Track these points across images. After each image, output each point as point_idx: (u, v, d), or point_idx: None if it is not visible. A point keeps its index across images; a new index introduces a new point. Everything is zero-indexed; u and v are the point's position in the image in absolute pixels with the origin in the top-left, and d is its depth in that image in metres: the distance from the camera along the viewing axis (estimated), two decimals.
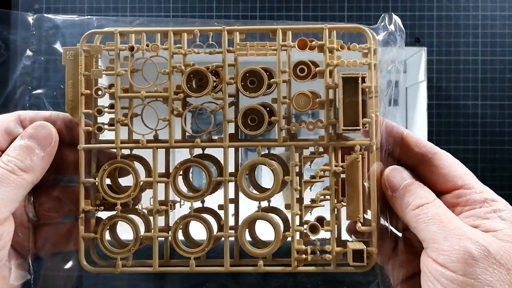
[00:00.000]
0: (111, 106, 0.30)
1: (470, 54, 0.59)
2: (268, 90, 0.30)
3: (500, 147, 0.58)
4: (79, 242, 0.30)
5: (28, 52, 0.31)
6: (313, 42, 0.29)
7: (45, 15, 0.31)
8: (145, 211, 0.31)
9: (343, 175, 0.30)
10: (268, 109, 0.30)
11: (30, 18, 0.31)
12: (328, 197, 0.30)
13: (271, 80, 0.30)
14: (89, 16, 0.31)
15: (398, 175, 0.28)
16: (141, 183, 0.30)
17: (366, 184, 0.29)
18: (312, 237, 0.30)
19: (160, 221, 0.31)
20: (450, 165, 0.29)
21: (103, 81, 0.31)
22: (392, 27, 0.30)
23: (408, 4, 0.59)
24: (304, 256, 0.30)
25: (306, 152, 0.31)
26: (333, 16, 0.59)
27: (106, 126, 0.30)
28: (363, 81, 0.28)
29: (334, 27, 0.30)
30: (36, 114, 0.30)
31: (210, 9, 0.60)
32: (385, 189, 0.29)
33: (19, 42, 0.32)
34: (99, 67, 0.30)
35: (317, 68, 0.29)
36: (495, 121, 0.59)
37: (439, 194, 0.28)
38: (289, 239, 0.30)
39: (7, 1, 0.60)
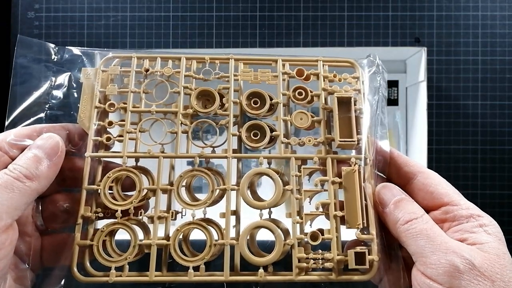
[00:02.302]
0: (122, 121, 0.33)
1: (470, 54, 0.59)
2: (268, 113, 0.33)
3: (500, 147, 0.58)
4: (74, 250, 0.30)
5: (49, 75, 0.34)
6: (310, 71, 0.34)
7: (67, 47, 0.34)
8: (146, 219, 0.31)
9: (340, 192, 0.31)
10: (269, 128, 0.33)
11: (52, 48, 0.35)
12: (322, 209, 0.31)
13: (273, 101, 0.33)
14: (107, 49, 0.35)
15: (389, 191, 0.30)
16: (145, 191, 0.31)
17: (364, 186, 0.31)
18: (313, 243, 0.30)
19: (161, 232, 0.31)
20: (437, 183, 0.30)
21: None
22: (377, 62, 0.34)
23: (408, 4, 0.59)
24: (305, 264, 0.30)
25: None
26: (333, 16, 0.59)
27: (115, 138, 0.32)
28: (355, 103, 0.32)
29: (327, 59, 0.34)
30: (50, 126, 0.31)
31: (210, 9, 0.60)
32: (376, 205, 0.30)
33: (41, 66, 0.34)
34: (114, 86, 0.33)
35: (314, 92, 0.33)
36: (495, 121, 0.59)
37: (427, 210, 0.30)
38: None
39: (7, 1, 0.60)
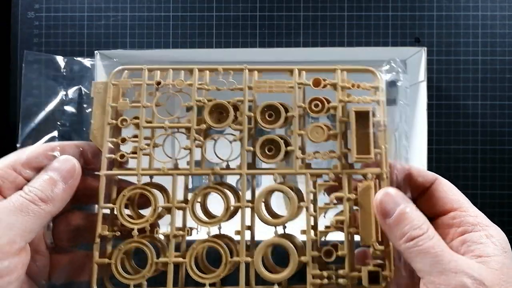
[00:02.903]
0: (134, 136, 0.32)
1: (470, 54, 0.59)
2: (284, 124, 0.32)
3: (500, 147, 0.58)
4: (93, 268, 0.30)
5: (59, 90, 0.33)
6: (327, 81, 0.32)
7: (76, 58, 0.33)
8: (162, 237, 0.31)
9: (356, 207, 0.31)
10: (284, 140, 0.32)
11: (61, 60, 0.34)
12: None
13: (288, 114, 0.32)
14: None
15: (391, 200, 0.29)
16: (160, 209, 0.31)
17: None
18: (327, 260, 0.30)
19: (177, 248, 0.31)
20: (448, 190, 0.30)
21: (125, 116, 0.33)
22: (397, 69, 0.34)
23: (408, 4, 0.59)
24: (319, 280, 0.30)
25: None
26: (333, 16, 0.59)
27: (128, 155, 0.32)
28: (373, 114, 0.31)
29: (346, 68, 0.32)
30: (64, 144, 0.31)
31: (210, 9, 0.60)
32: (378, 215, 0.29)
33: (50, 81, 0.34)
34: (126, 100, 0.32)
35: (330, 104, 0.32)
36: (495, 121, 0.59)
37: (436, 216, 0.30)
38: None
39: (7, 1, 0.60)
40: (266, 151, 0.32)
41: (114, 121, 0.32)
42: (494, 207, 0.57)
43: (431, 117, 0.58)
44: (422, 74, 0.52)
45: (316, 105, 0.32)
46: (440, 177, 0.31)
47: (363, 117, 0.31)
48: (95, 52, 0.53)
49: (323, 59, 0.60)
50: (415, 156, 0.56)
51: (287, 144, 0.32)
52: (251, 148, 0.32)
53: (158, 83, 0.32)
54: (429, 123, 0.52)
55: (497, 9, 0.59)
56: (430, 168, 0.52)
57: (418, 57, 0.54)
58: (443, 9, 0.59)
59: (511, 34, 0.59)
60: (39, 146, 0.30)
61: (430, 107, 0.54)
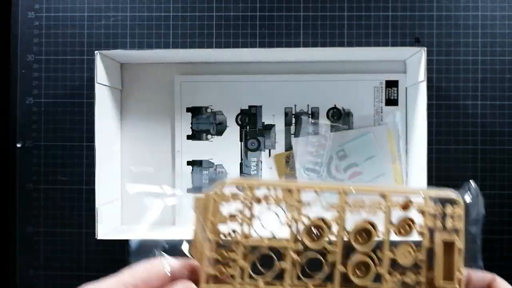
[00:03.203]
0: (231, 251, 0.34)
1: (470, 54, 0.59)
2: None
3: (500, 147, 0.58)
4: None
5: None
6: (414, 205, 0.34)
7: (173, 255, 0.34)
8: None
9: None
10: (371, 258, 0.34)
11: (159, 253, 0.35)
12: None
13: (379, 234, 0.34)
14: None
15: None
16: None
17: None
18: None
19: None
20: (502, 287, 0.32)
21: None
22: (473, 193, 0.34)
23: (408, 4, 0.59)
24: None
25: None
26: (333, 16, 0.59)
27: (225, 269, 0.33)
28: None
29: (431, 193, 0.34)
30: (173, 263, 0.32)
31: (210, 9, 0.60)
32: None
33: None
34: (224, 216, 0.34)
35: (419, 229, 0.33)
36: (495, 121, 0.59)
37: None
38: None
39: (7, 1, 0.60)
40: (357, 270, 0.34)
41: (213, 237, 0.33)
42: (494, 207, 0.57)
43: (431, 117, 0.58)
44: (422, 74, 0.52)
45: (404, 227, 0.34)
46: (496, 276, 0.32)
47: (448, 245, 0.33)
48: (95, 52, 0.53)
49: (323, 59, 0.60)
50: (415, 156, 0.56)
51: (374, 261, 0.34)
52: (344, 269, 0.33)
53: (259, 201, 0.34)
54: (429, 123, 0.52)
55: (497, 9, 0.59)
56: (430, 168, 0.53)
57: (418, 57, 0.54)
58: (443, 9, 0.59)
59: (511, 34, 0.59)
60: (151, 265, 0.31)
61: (430, 107, 0.54)
